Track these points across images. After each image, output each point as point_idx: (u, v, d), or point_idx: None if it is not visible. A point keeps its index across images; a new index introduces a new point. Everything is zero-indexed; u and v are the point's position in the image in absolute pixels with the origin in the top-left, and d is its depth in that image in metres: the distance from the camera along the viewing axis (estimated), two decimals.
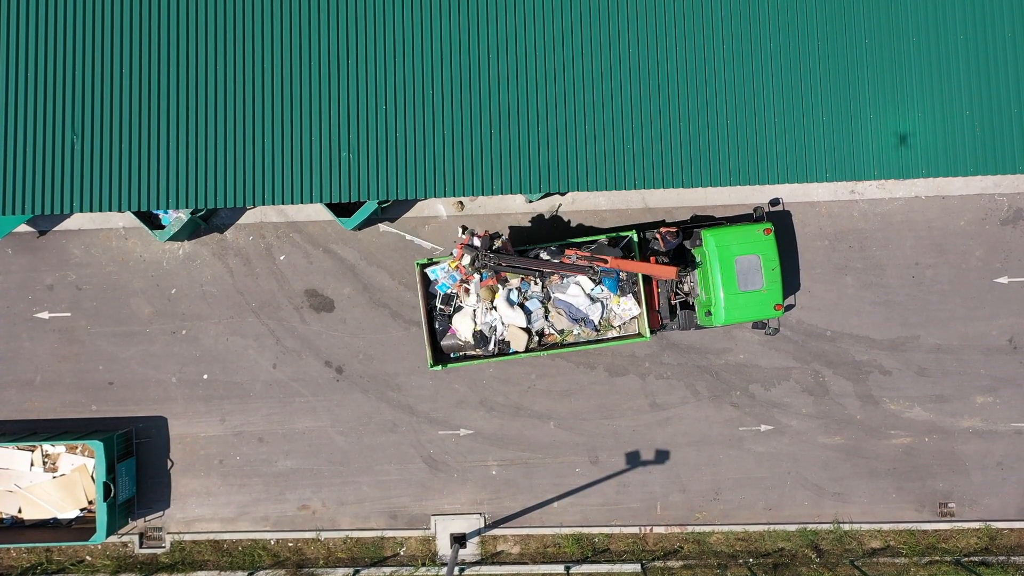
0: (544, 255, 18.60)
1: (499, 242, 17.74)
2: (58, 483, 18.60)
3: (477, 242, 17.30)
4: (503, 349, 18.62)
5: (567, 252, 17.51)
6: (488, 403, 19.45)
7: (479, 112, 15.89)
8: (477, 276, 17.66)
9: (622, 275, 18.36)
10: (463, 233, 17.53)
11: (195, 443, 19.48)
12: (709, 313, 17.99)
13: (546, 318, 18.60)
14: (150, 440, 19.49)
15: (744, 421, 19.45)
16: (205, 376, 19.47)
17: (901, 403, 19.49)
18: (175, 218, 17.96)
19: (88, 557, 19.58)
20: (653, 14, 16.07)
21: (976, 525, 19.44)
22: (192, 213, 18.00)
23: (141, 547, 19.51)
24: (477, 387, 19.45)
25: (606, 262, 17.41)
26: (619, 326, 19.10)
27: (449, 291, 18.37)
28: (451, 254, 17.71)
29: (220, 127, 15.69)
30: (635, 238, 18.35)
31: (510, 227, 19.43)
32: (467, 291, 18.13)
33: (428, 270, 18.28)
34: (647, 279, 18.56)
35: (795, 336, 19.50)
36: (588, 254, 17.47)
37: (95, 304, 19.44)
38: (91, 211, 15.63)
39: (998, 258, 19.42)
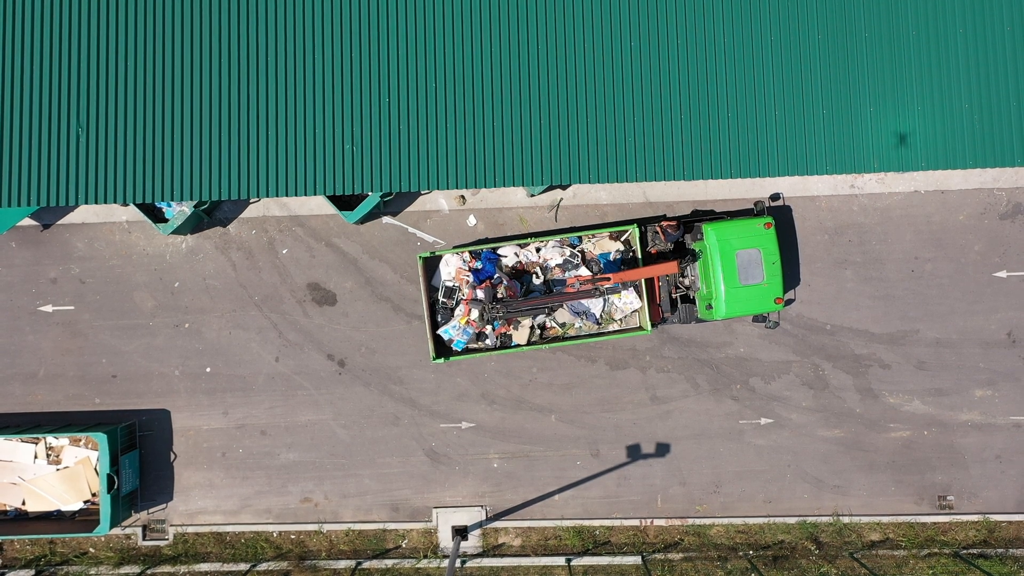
0: (549, 250, 18.68)
1: (501, 288, 18.02)
2: (62, 475, 18.67)
3: (480, 294, 17.64)
4: (505, 342, 18.73)
5: (569, 281, 17.87)
6: (490, 396, 19.54)
7: (480, 104, 15.97)
8: (490, 327, 18.09)
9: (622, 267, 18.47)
10: (464, 290, 17.94)
11: (198, 436, 19.56)
12: (710, 307, 18.08)
13: (548, 311, 18.70)
14: (153, 433, 19.57)
15: (744, 414, 19.54)
16: (208, 369, 19.55)
17: (900, 396, 19.58)
18: (178, 211, 18.04)
19: (91, 549, 19.66)
20: (653, 6, 16.16)
21: (975, 518, 19.52)
22: (195, 206, 18.08)
23: (144, 539, 19.59)
24: (479, 380, 19.54)
25: (609, 280, 17.62)
26: (620, 319, 19.23)
27: (451, 284, 18.49)
28: (460, 310, 18.15)
29: (224, 119, 15.77)
30: (636, 232, 18.45)
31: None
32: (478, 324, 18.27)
33: (440, 331, 18.28)
34: None
35: (795, 330, 19.59)
36: (591, 276, 17.84)
37: (98, 297, 19.52)
38: (95, 203, 15.72)
39: (997, 252, 19.50)
